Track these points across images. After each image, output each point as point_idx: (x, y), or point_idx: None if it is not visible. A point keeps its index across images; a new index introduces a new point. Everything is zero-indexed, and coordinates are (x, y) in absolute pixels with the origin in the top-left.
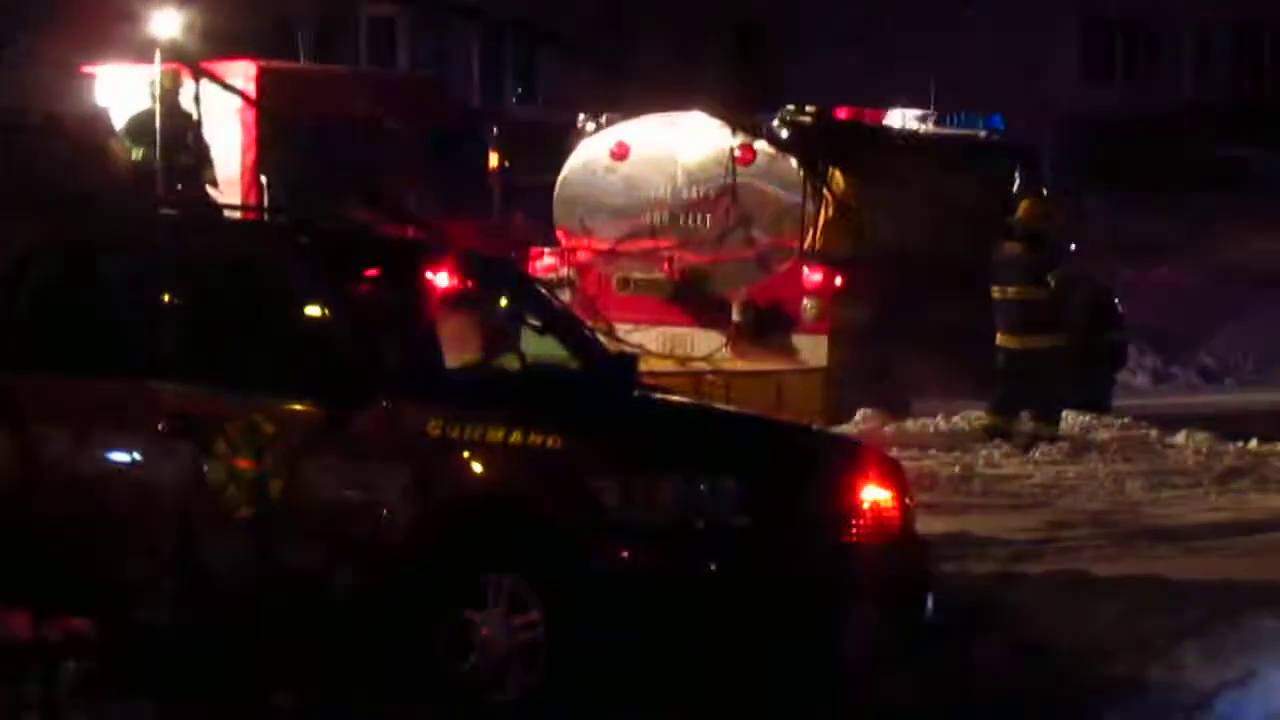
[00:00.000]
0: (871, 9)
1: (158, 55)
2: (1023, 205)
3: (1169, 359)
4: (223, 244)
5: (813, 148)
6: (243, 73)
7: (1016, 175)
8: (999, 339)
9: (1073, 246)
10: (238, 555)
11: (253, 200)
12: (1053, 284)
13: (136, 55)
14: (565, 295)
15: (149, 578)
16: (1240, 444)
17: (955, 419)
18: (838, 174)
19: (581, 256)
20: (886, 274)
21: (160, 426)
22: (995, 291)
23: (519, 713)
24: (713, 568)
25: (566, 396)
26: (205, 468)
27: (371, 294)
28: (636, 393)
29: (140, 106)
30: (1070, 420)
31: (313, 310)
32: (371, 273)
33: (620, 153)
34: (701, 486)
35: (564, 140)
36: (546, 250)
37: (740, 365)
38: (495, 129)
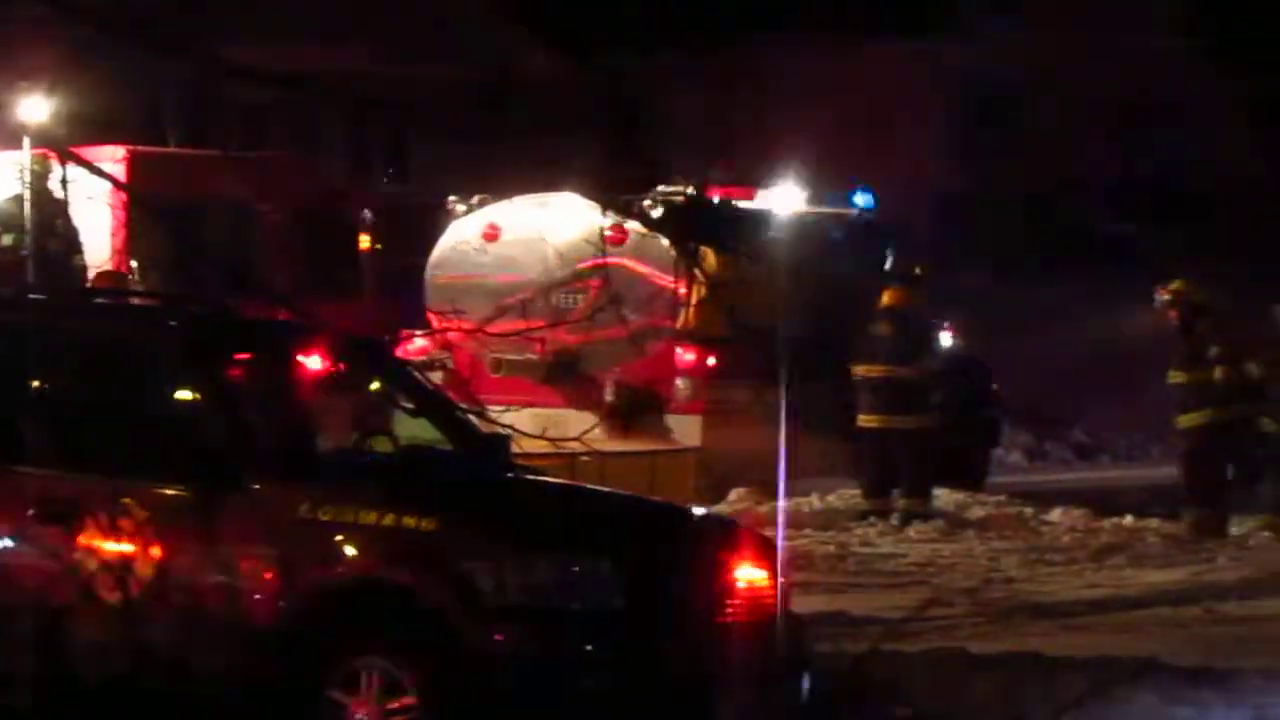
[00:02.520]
0: (742, 89)
1: (26, 141)
2: (889, 289)
3: (1043, 435)
4: (93, 327)
5: (685, 227)
6: (111, 156)
7: (888, 254)
8: (861, 419)
9: (945, 324)
10: (106, 640)
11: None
12: (924, 364)
13: (5, 141)
14: (437, 377)
15: (15, 663)
16: (1115, 520)
17: (830, 498)
18: (710, 253)
19: (453, 338)
20: (759, 353)
21: (29, 512)
22: (862, 370)
23: None
24: (588, 649)
25: (439, 478)
26: (74, 553)
27: (242, 377)
28: (510, 474)
29: (9, 192)
30: (945, 498)
31: (183, 393)
32: (243, 355)
33: (492, 234)
34: (576, 568)
35: (435, 221)
36: (418, 332)
37: (614, 446)
38: (366, 211)
